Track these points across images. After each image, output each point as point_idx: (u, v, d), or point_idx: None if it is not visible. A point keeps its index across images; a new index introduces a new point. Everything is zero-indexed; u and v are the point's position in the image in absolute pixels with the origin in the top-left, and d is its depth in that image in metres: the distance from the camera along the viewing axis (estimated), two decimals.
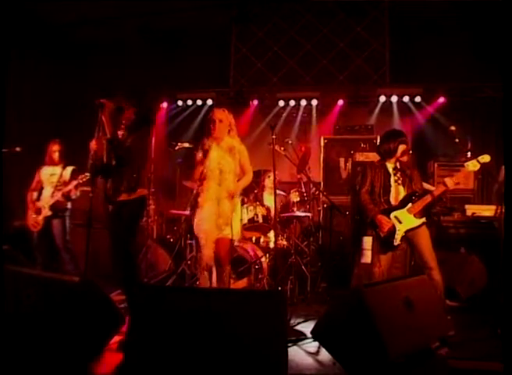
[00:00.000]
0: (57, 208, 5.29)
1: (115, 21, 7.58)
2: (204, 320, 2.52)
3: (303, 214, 5.85)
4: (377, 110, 7.60)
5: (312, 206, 6.33)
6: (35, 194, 5.41)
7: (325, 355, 3.22)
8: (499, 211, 5.16)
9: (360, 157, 6.45)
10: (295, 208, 5.86)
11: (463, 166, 4.28)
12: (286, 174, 7.03)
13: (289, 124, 7.90)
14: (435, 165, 6.63)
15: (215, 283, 4.11)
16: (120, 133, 4.07)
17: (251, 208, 5.63)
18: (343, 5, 7.51)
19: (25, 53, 7.41)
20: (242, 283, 5.21)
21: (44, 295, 2.72)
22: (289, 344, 3.63)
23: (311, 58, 7.74)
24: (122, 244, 3.91)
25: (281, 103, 7.82)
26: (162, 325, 2.58)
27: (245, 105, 7.87)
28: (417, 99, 7.40)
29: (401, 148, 4.31)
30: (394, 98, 7.45)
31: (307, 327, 4.08)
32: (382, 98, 7.48)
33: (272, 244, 5.68)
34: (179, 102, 8.08)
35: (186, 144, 6.10)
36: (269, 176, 6.11)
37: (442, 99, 7.34)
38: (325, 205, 6.46)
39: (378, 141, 6.26)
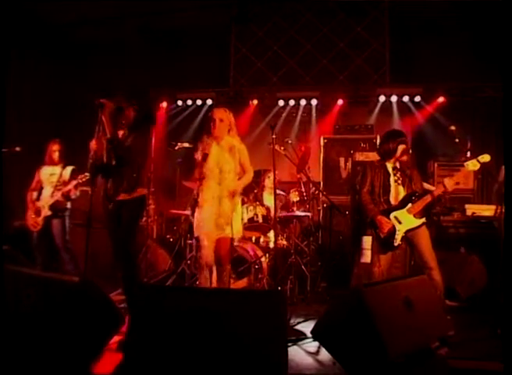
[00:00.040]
0: (57, 208, 5.29)
1: (115, 21, 7.59)
2: (203, 320, 2.52)
3: (303, 214, 5.85)
4: (377, 110, 7.61)
5: (312, 206, 6.33)
6: (35, 194, 5.41)
7: (324, 354, 3.22)
8: (499, 211, 5.16)
9: (360, 157, 6.46)
10: (295, 208, 5.86)
11: (463, 165, 4.28)
12: (286, 174, 7.02)
13: (288, 124, 7.90)
14: (435, 165, 6.63)
15: (215, 283, 4.11)
16: (120, 132, 4.06)
17: (251, 208, 5.64)
18: (343, 4, 7.52)
19: (25, 53, 7.41)
20: (242, 283, 5.22)
21: (44, 295, 2.71)
22: (289, 344, 3.63)
23: (311, 57, 7.74)
24: (122, 243, 3.91)
25: (281, 103, 7.82)
26: (162, 325, 2.58)
27: (245, 104, 7.87)
28: (417, 99, 7.40)
29: (401, 148, 4.30)
30: (394, 98, 7.46)
31: (307, 327, 4.08)
32: (382, 98, 7.48)
33: (271, 244, 5.69)
34: (179, 102, 8.10)
35: (186, 144, 6.11)
36: (269, 177, 6.11)
37: (441, 99, 7.34)
38: (324, 205, 6.47)
39: (378, 140, 6.27)
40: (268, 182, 6.15)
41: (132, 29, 7.64)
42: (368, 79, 7.58)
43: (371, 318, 2.59)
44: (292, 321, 4.39)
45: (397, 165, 4.36)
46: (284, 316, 2.71)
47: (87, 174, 5.04)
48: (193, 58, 8.01)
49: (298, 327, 4.26)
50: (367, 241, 4.30)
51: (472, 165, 4.16)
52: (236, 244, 4.72)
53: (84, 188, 5.36)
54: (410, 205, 4.18)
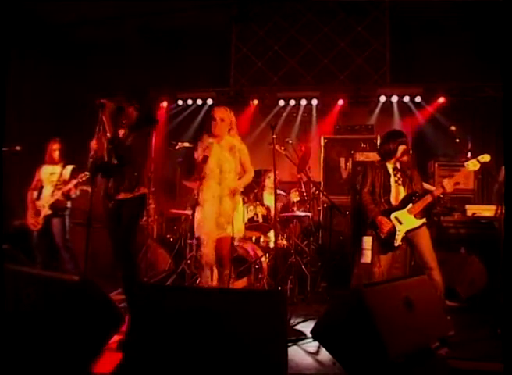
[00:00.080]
0: (57, 208, 5.29)
1: (115, 21, 7.59)
2: (203, 320, 2.52)
3: (303, 214, 5.85)
4: (377, 110, 7.61)
5: (312, 206, 6.32)
6: (35, 193, 5.41)
7: (324, 354, 3.22)
8: (499, 211, 5.16)
9: (360, 157, 6.46)
10: (295, 208, 5.86)
11: (463, 165, 4.28)
12: (286, 174, 7.03)
13: (289, 124, 7.91)
14: (436, 165, 6.63)
15: (215, 282, 4.11)
16: (121, 132, 4.06)
17: (251, 207, 5.64)
18: (343, 4, 7.52)
19: (25, 53, 7.41)
20: (242, 283, 5.21)
21: (44, 294, 2.71)
22: (289, 344, 3.63)
23: (312, 57, 7.74)
24: (122, 243, 3.91)
25: (281, 103, 7.83)
26: (162, 324, 2.57)
27: (245, 104, 7.87)
28: (418, 99, 7.40)
29: (401, 148, 4.30)
30: (394, 98, 7.46)
31: (307, 327, 4.08)
32: (383, 98, 7.49)
33: (271, 244, 5.68)
34: (180, 102, 8.10)
35: (186, 144, 6.10)
36: (269, 177, 6.11)
37: (442, 99, 7.34)
38: (325, 205, 6.47)
39: (379, 141, 6.27)
40: (269, 182, 6.15)
41: (132, 29, 7.64)
42: (368, 79, 7.58)
43: (371, 318, 2.58)
44: (292, 321, 4.39)
45: (398, 165, 4.36)
46: (284, 315, 2.71)
47: (87, 173, 5.05)
48: (193, 58, 8.01)
49: (298, 327, 4.26)
50: (367, 241, 4.30)
51: (472, 165, 4.16)
52: (236, 243, 4.72)
53: (84, 188, 5.35)
54: (410, 205, 4.18)
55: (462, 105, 7.38)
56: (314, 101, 7.74)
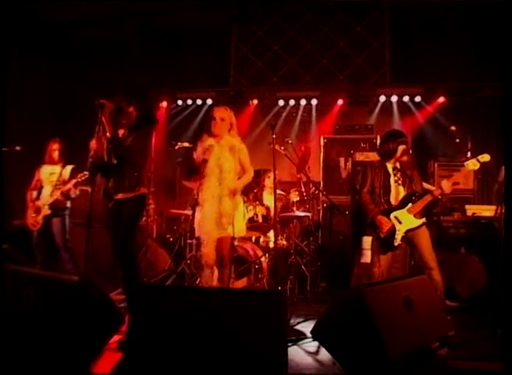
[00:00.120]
0: (56, 207, 5.29)
1: (115, 21, 7.58)
2: (203, 320, 2.52)
3: (302, 214, 5.85)
4: (377, 110, 7.60)
5: (312, 206, 6.33)
6: (35, 193, 5.41)
7: (324, 354, 3.22)
8: (499, 211, 5.16)
9: (360, 157, 6.46)
10: (295, 208, 5.86)
11: (463, 165, 4.28)
12: (286, 174, 7.03)
13: (289, 124, 7.90)
14: (435, 165, 6.62)
15: (215, 282, 4.10)
16: (121, 132, 4.06)
17: (251, 207, 5.64)
18: (343, 4, 7.51)
19: (25, 53, 7.40)
20: (242, 283, 5.21)
21: (44, 294, 2.72)
22: (289, 344, 3.63)
23: (311, 57, 7.74)
24: (122, 243, 3.91)
25: (281, 102, 7.83)
26: (162, 324, 2.57)
27: (245, 104, 7.87)
28: (417, 99, 7.40)
29: (401, 148, 4.30)
30: (394, 98, 7.46)
31: (306, 327, 4.08)
32: (382, 98, 7.48)
33: (271, 244, 5.68)
34: (179, 102, 8.10)
35: (186, 144, 6.09)
36: (269, 176, 6.11)
37: (442, 99, 7.34)
38: (324, 205, 6.47)
39: (378, 140, 6.27)
40: (268, 182, 6.15)
41: (132, 29, 7.64)
42: (368, 79, 7.58)
43: (371, 318, 2.58)
44: (292, 321, 4.39)
45: (397, 165, 4.36)
46: (284, 315, 2.71)
47: (86, 173, 5.05)
48: (193, 58, 8.01)
49: (298, 327, 4.26)
50: (367, 241, 4.30)
51: (472, 164, 4.16)
52: (235, 243, 4.72)
53: (84, 187, 5.36)
54: (410, 205, 4.18)
55: (462, 104, 7.38)
56: (314, 101, 7.74)
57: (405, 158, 4.38)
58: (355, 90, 7.58)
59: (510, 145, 2.86)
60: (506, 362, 2.59)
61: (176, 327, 2.55)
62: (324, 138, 6.90)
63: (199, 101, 8.01)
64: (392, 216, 4.17)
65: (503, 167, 3.86)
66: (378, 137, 6.34)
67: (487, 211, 5.72)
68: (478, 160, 4.14)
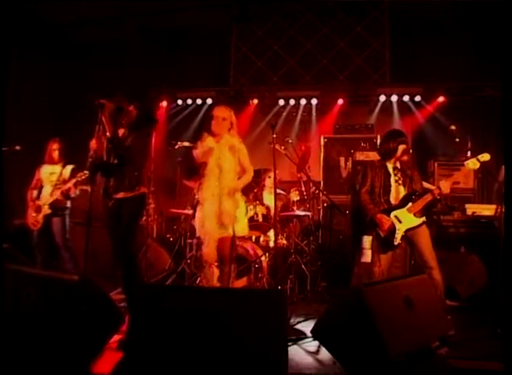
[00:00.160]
0: (57, 207, 5.30)
1: (115, 21, 7.58)
2: (203, 319, 2.52)
3: (303, 213, 5.85)
4: (377, 109, 7.60)
5: (312, 205, 6.33)
6: (35, 193, 5.42)
7: (325, 354, 3.22)
8: (499, 210, 5.16)
9: (360, 156, 6.46)
10: (295, 208, 5.86)
11: (463, 165, 4.28)
12: (286, 173, 7.02)
13: (289, 123, 7.90)
14: (435, 164, 6.63)
15: (216, 281, 4.10)
16: (121, 131, 4.06)
17: (251, 207, 5.64)
18: (343, 4, 7.51)
19: (25, 53, 7.40)
20: (242, 282, 5.21)
21: (44, 294, 2.72)
22: (289, 344, 3.63)
23: (311, 57, 7.74)
24: (122, 242, 3.91)
25: (281, 102, 7.83)
26: (162, 324, 2.57)
27: (245, 104, 7.87)
28: (417, 98, 7.40)
29: (401, 147, 4.30)
30: (394, 98, 7.46)
31: (307, 326, 4.08)
32: (382, 98, 7.48)
33: (271, 243, 5.68)
34: (179, 101, 8.11)
35: (186, 143, 6.06)
36: (269, 176, 6.11)
37: (442, 98, 7.34)
38: (325, 204, 6.47)
39: (379, 140, 6.27)
40: (269, 181, 6.14)
41: (132, 29, 7.64)
42: (368, 78, 7.58)
43: (371, 317, 2.58)
44: (292, 320, 4.39)
45: (398, 165, 4.36)
46: (284, 315, 2.71)
47: (86, 172, 5.05)
48: (193, 58, 8.01)
49: (298, 327, 4.26)
50: (367, 240, 4.30)
51: (472, 164, 4.16)
52: (236, 243, 4.72)
53: (84, 187, 5.36)
54: (410, 204, 4.18)
55: (462, 104, 7.38)
56: (314, 101, 7.74)
57: (405, 157, 4.38)
58: (355, 90, 7.58)
59: (510, 145, 2.86)
60: (506, 361, 2.59)
61: (175, 327, 2.55)
62: (324, 138, 6.91)
63: (199, 101, 8.01)
64: (392, 215, 4.17)
65: (503, 166, 3.86)
66: (379, 137, 6.35)
67: (487, 210, 5.72)
68: (478, 159, 4.14)
